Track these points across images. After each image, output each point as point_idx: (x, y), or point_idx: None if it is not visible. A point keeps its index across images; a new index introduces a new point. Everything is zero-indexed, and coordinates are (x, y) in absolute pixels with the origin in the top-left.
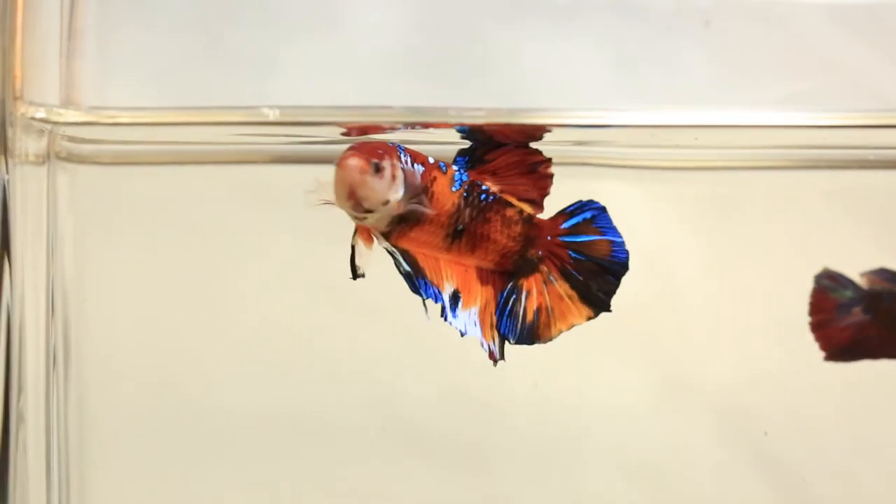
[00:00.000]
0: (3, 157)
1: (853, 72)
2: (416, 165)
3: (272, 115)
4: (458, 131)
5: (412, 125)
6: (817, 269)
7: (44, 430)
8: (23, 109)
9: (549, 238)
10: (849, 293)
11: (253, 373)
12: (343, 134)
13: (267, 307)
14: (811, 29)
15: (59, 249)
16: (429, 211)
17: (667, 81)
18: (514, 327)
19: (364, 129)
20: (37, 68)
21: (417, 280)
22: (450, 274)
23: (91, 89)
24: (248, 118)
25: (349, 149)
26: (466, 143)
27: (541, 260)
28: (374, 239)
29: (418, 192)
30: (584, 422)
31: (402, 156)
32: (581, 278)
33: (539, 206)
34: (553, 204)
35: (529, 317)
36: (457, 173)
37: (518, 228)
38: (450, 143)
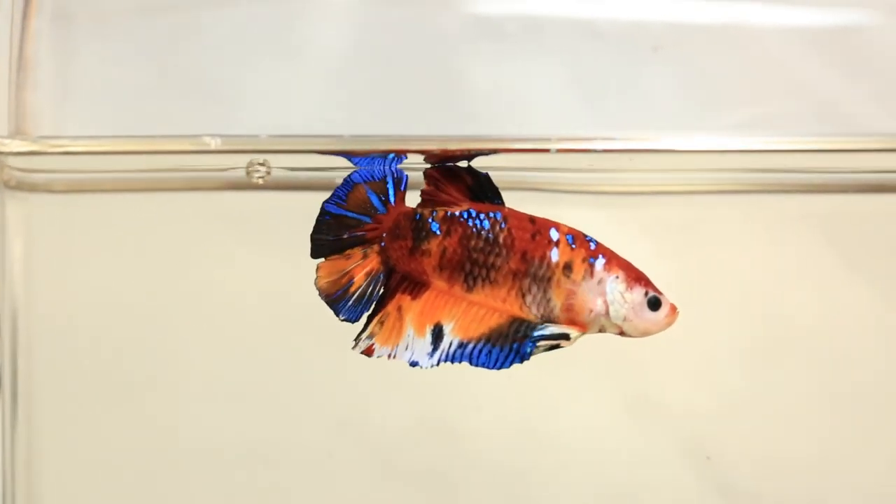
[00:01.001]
0: None
1: (814, 95)
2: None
3: (213, 144)
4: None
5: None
6: (783, 293)
7: None
8: None
9: None
10: None
11: (208, 397)
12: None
13: (221, 331)
14: (765, 53)
15: (8, 277)
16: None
17: (619, 106)
18: None
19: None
20: None
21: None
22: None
23: (46, 119)
24: (192, 147)
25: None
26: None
27: None
28: None
29: None
30: (548, 447)
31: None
32: None
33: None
34: None
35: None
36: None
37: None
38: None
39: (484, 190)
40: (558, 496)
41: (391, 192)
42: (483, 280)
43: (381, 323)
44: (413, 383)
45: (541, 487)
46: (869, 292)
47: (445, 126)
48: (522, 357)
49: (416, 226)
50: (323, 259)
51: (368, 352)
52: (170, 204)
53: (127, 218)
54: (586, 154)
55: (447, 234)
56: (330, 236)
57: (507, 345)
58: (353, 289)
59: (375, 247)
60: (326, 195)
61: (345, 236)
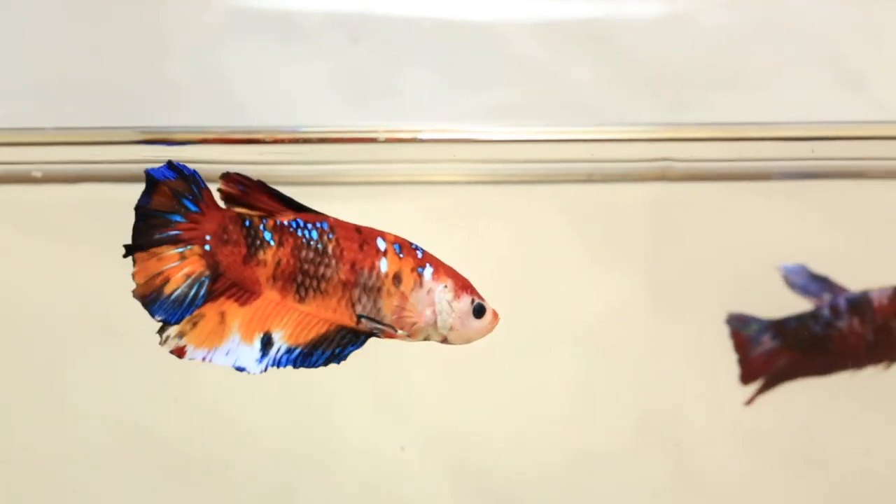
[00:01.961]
0: None
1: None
2: None
3: None
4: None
5: None
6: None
7: None
8: None
9: None
10: (754, 326)
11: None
12: None
13: None
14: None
15: None
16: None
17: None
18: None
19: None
20: None
21: None
22: None
23: None
24: None
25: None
26: None
27: None
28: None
29: None
30: (317, 442)
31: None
32: None
33: None
34: None
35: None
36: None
37: None
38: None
39: (289, 200)
40: (328, 489)
41: (196, 190)
42: (314, 291)
43: (194, 323)
44: (191, 383)
45: (312, 481)
46: (617, 280)
47: (209, 118)
48: (340, 359)
49: (247, 233)
50: (136, 265)
51: (179, 352)
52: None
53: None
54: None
55: (280, 244)
56: (143, 233)
57: (330, 349)
58: (168, 289)
59: (196, 248)
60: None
61: (155, 236)
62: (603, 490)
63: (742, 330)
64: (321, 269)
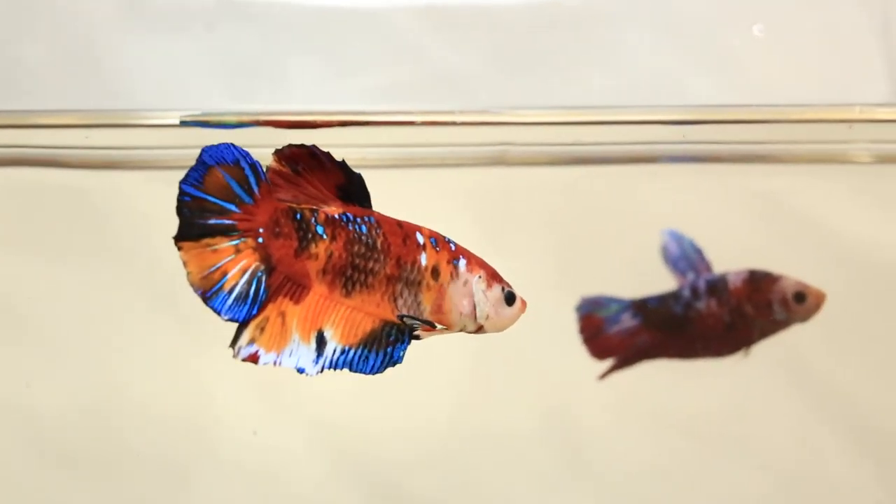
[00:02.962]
0: None
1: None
2: None
3: None
4: None
5: None
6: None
7: None
8: None
9: None
10: (614, 307)
11: None
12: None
13: None
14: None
15: None
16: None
17: None
18: None
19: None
20: None
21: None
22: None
23: None
24: None
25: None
26: None
27: None
28: None
29: None
30: (196, 436)
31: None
32: None
33: None
34: None
35: None
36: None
37: None
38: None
39: (357, 192)
40: (210, 482)
41: (252, 180)
42: (361, 285)
43: (262, 328)
44: (69, 369)
45: (197, 475)
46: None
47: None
48: (395, 362)
49: (298, 226)
50: (185, 251)
51: (254, 359)
52: None
53: None
54: None
55: (333, 237)
56: (195, 218)
57: (382, 350)
58: (228, 285)
59: (250, 241)
60: None
61: (210, 221)
62: (496, 475)
63: (597, 312)
64: (370, 264)
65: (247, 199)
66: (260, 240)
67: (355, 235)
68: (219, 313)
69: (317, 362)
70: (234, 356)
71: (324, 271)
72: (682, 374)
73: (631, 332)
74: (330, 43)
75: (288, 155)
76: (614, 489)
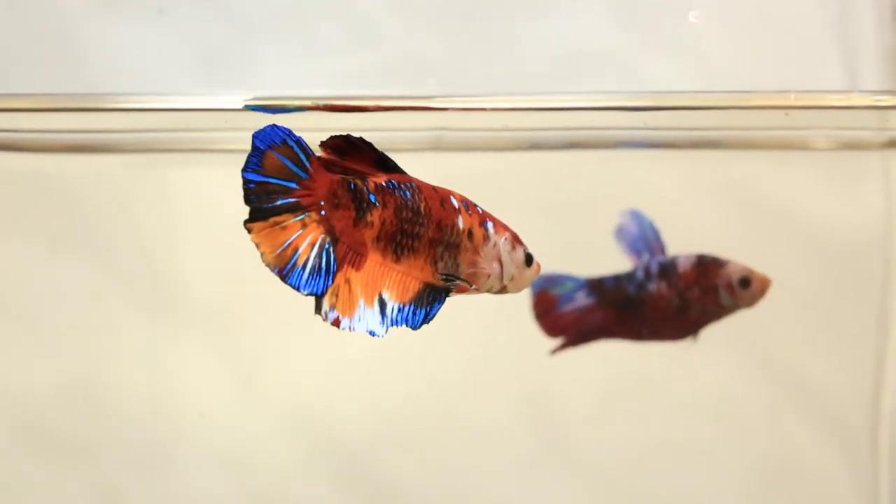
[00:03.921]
0: None
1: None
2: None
3: None
4: None
5: None
6: None
7: None
8: None
9: None
10: (569, 284)
11: None
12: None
13: None
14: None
15: None
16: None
17: None
18: None
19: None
20: None
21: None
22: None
23: None
24: None
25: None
26: None
27: None
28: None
29: None
30: (170, 417)
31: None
32: None
33: None
34: None
35: None
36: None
37: None
38: None
39: (392, 164)
40: (184, 461)
41: (302, 157)
42: (408, 250)
43: (336, 295)
44: (44, 353)
45: (172, 459)
46: None
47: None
48: (430, 319)
49: (354, 196)
50: (255, 233)
51: (336, 323)
52: None
53: None
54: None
55: (384, 205)
56: (262, 202)
57: (423, 308)
58: (300, 260)
59: (314, 215)
60: None
61: (278, 203)
62: (471, 460)
63: (551, 289)
64: (416, 229)
65: (303, 175)
66: (322, 212)
67: (402, 202)
68: (297, 289)
69: (382, 323)
70: (324, 321)
71: (377, 238)
72: (660, 360)
73: (585, 311)
74: (282, 26)
75: (332, 144)
76: (592, 475)
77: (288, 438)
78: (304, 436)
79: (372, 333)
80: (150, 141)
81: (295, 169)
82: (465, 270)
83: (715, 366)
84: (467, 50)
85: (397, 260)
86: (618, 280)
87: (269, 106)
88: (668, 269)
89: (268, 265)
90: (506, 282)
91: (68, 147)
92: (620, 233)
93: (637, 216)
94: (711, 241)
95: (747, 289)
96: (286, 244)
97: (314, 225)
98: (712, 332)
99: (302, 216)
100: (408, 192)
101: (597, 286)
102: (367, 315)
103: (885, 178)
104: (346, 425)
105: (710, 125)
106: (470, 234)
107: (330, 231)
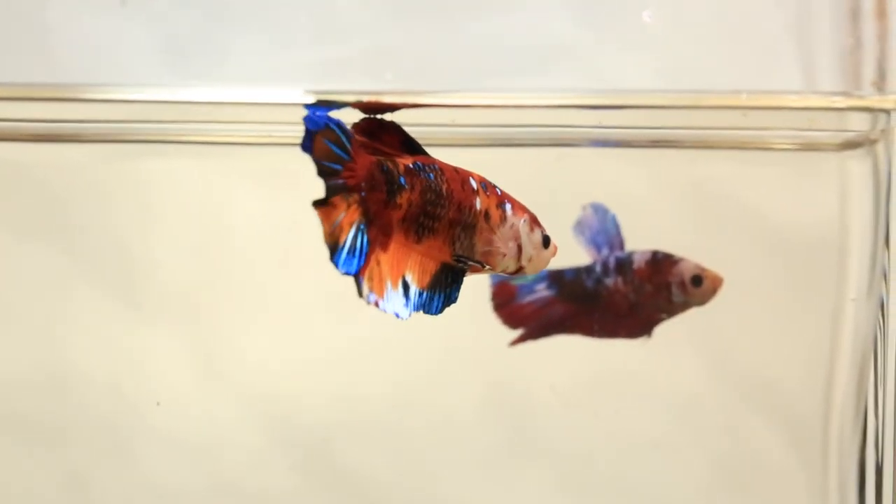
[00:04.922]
0: None
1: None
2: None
3: None
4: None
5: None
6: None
7: None
8: None
9: None
10: (530, 276)
11: None
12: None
13: None
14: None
15: None
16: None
17: None
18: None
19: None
20: None
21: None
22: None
23: None
24: None
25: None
26: None
27: None
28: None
29: None
30: (136, 402)
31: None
32: None
33: None
34: None
35: None
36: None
37: None
38: None
39: (411, 143)
40: (146, 447)
41: (344, 139)
42: (429, 231)
43: (371, 278)
44: (23, 335)
45: (134, 442)
46: None
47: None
48: (452, 301)
49: (386, 178)
50: (320, 212)
51: (376, 305)
52: None
53: None
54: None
55: (412, 187)
56: (328, 181)
57: (443, 291)
58: (342, 239)
59: (356, 196)
60: None
61: (330, 184)
62: (434, 448)
63: (511, 280)
64: (437, 210)
65: (346, 157)
66: (362, 193)
67: (427, 184)
68: (338, 268)
69: (406, 306)
70: (367, 303)
71: (403, 220)
72: (620, 356)
73: (544, 303)
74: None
75: (364, 126)
76: (554, 465)
77: (251, 426)
78: (266, 424)
79: (397, 315)
80: (121, 131)
81: (339, 151)
82: (480, 250)
83: (672, 361)
84: (425, 45)
85: (418, 241)
86: (577, 272)
87: (333, 102)
88: (624, 265)
89: (326, 245)
90: (524, 262)
91: (40, 137)
92: (580, 226)
93: (600, 209)
94: (669, 239)
95: (699, 286)
96: (336, 223)
97: (355, 206)
98: (669, 329)
99: (348, 197)
100: (431, 175)
101: (558, 278)
102: (393, 297)
103: (840, 178)
104: (308, 414)
105: (668, 124)
106: (487, 214)
107: (366, 213)
